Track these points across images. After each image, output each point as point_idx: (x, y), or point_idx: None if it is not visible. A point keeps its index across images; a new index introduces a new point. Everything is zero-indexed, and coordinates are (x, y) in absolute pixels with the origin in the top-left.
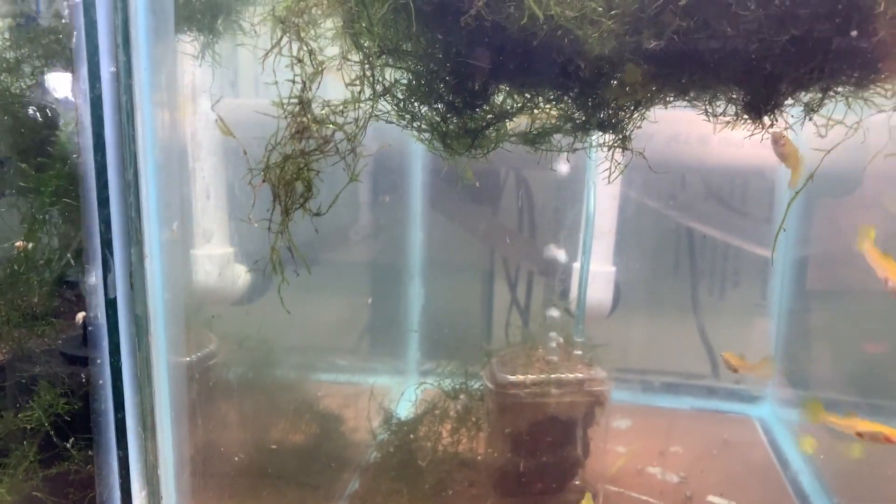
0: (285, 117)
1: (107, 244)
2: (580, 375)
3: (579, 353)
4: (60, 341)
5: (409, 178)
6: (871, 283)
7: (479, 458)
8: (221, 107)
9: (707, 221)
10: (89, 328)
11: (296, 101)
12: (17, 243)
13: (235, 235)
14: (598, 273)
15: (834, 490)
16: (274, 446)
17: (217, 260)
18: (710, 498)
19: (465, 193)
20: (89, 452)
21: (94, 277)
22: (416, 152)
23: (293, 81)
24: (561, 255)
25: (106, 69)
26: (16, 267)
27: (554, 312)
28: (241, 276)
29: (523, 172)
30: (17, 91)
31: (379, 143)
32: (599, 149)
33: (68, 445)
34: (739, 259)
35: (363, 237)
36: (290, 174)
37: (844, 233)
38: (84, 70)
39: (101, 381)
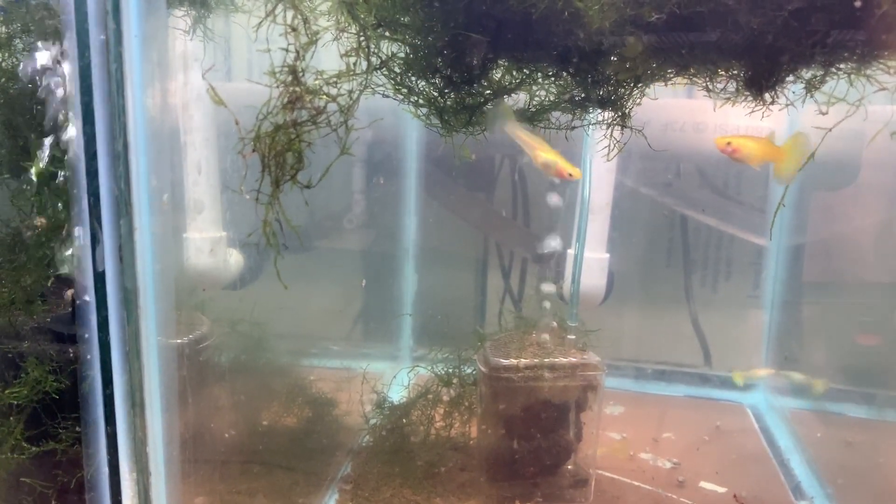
0: (277, 86)
1: (96, 216)
2: (573, 360)
3: (572, 337)
4: (49, 319)
5: (403, 166)
6: (864, 275)
7: (471, 442)
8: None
9: (702, 210)
10: (77, 303)
11: (288, 70)
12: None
13: (228, 217)
14: (592, 259)
15: (825, 477)
16: (265, 423)
17: (209, 244)
18: (703, 484)
19: (460, 180)
20: (77, 430)
21: (83, 251)
22: (411, 139)
23: (286, 50)
24: (557, 243)
25: (95, 37)
26: (34, 241)
27: (548, 287)
28: (233, 259)
29: (518, 159)
30: (8, 67)
31: (372, 129)
32: (598, 126)
33: (56, 424)
34: (733, 250)
35: (357, 226)
36: (281, 145)
37: (839, 224)
38: (73, 37)
39: (89, 357)
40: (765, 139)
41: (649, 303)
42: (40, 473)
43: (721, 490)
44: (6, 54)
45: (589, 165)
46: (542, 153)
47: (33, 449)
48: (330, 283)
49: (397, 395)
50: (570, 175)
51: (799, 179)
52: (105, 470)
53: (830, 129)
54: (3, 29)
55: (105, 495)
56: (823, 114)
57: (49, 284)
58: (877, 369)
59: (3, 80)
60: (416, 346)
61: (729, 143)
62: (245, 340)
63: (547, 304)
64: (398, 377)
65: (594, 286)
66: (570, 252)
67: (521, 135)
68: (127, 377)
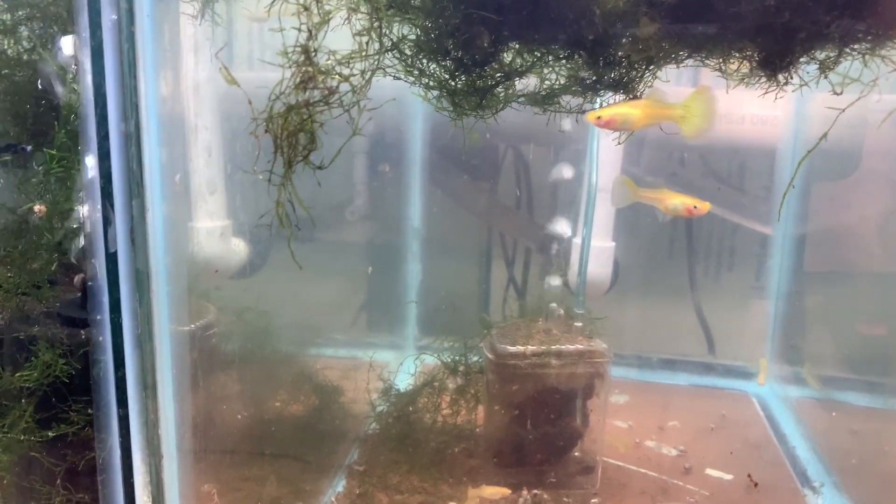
0: (289, 67)
1: (107, 197)
2: (580, 347)
3: (579, 325)
4: (59, 303)
5: (407, 155)
6: (869, 264)
7: (478, 429)
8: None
9: (706, 198)
10: (89, 284)
11: (301, 50)
12: (37, 207)
13: (233, 204)
14: (597, 248)
15: (831, 464)
16: (272, 410)
17: (214, 232)
18: (709, 471)
19: (464, 170)
20: (88, 412)
21: (95, 232)
22: (415, 128)
23: (299, 30)
24: (564, 227)
25: (107, 16)
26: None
27: (554, 281)
28: (238, 249)
29: (522, 148)
30: (14, 54)
31: (376, 118)
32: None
33: (67, 407)
34: (736, 239)
35: (360, 217)
36: (294, 125)
37: (843, 213)
38: (84, 18)
39: (101, 339)
40: (646, 101)
41: (653, 292)
42: (51, 455)
43: (728, 477)
44: (11, 42)
45: (596, 152)
46: (670, 199)
47: (42, 434)
48: (335, 274)
49: (403, 383)
50: (696, 207)
51: (802, 169)
52: (117, 452)
53: (843, 111)
54: (8, 16)
55: (117, 477)
56: (838, 94)
57: (52, 269)
58: (882, 358)
59: (8, 68)
60: (421, 336)
61: (599, 118)
62: (251, 329)
63: (553, 305)
64: (404, 365)
65: (600, 274)
66: (576, 241)
67: (646, 194)
68: (139, 360)
